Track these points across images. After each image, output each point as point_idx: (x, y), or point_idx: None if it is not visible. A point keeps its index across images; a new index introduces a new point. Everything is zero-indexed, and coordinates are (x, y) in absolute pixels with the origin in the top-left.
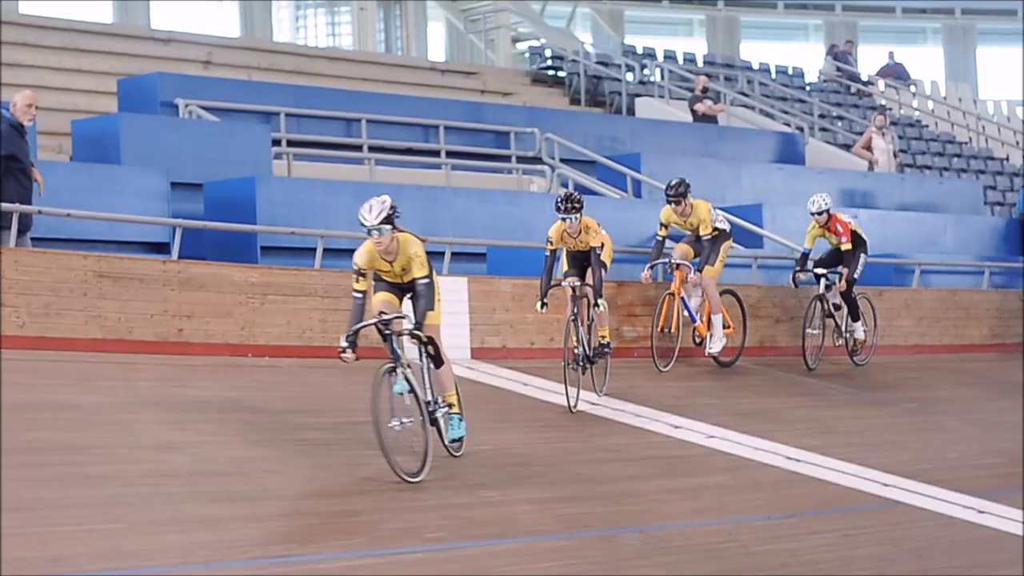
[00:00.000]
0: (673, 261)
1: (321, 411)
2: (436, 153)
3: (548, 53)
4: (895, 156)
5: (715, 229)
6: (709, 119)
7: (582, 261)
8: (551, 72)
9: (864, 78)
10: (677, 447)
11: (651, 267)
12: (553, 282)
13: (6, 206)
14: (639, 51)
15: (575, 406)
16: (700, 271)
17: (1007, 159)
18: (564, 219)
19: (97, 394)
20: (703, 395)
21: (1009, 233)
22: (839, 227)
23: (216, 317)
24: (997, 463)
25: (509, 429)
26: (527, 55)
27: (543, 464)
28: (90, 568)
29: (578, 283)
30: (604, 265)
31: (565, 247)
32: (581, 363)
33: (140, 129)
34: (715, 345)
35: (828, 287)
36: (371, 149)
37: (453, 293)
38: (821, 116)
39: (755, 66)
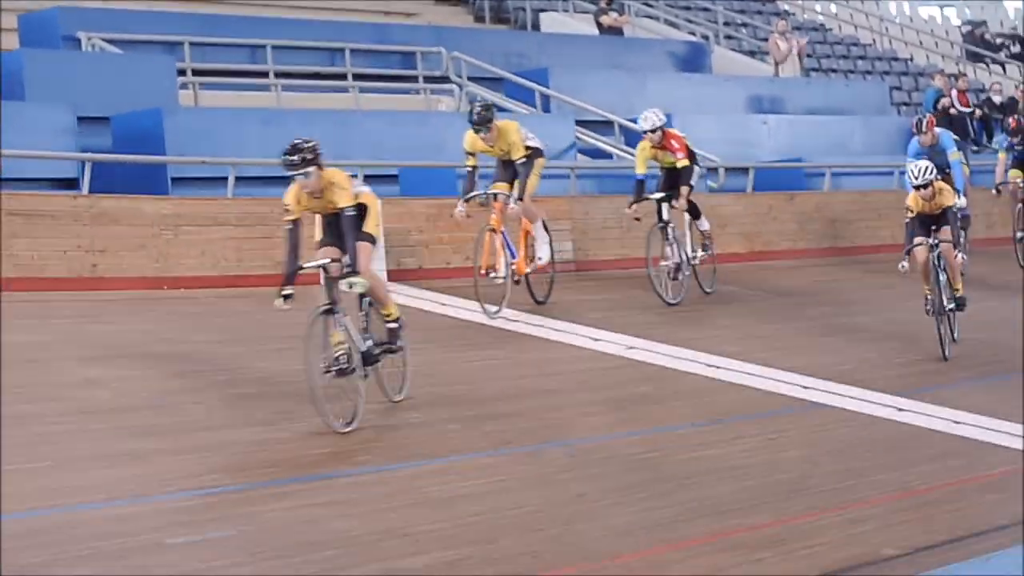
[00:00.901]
0: (488, 191)
1: (239, 340)
2: (343, 76)
3: None
4: (800, 60)
5: (527, 148)
6: (615, 31)
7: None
8: None
9: None
10: (597, 360)
11: (465, 201)
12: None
13: None
14: None
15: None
16: (521, 199)
17: (911, 59)
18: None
19: (13, 333)
20: (621, 308)
21: (1005, 117)
22: (674, 143)
23: (130, 251)
24: (915, 361)
25: (430, 350)
26: None
27: (466, 383)
28: (16, 508)
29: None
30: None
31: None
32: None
33: (43, 64)
34: (542, 252)
35: (667, 209)
36: (277, 75)
37: None
38: (726, 24)
39: None
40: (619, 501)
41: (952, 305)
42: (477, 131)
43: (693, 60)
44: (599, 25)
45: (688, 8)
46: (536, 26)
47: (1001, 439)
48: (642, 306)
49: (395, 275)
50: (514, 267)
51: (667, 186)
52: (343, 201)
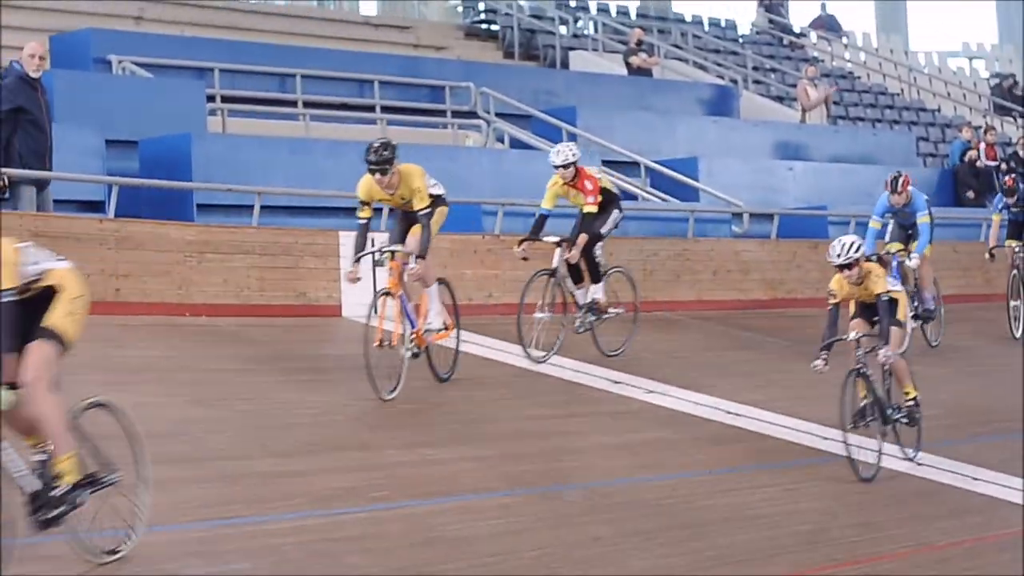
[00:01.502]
0: (384, 248)
1: (260, 371)
2: (371, 108)
3: (481, 7)
4: (827, 107)
5: (431, 197)
6: (643, 72)
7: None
8: (484, 26)
9: (796, 30)
10: (617, 402)
11: (356, 261)
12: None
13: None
14: (572, 4)
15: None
16: (421, 257)
17: (939, 110)
18: (373, 173)
19: None
20: (641, 349)
21: (942, 184)
22: (587, 184)
23: (153, 276)
24: (935, 414)
25: (450, 387)
26: (460, 9)
27: (485, 421)
28: (30, 532)
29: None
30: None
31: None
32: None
33: (73, 86)
34: (434, 320)
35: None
36: (306, 105)
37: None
38: (754, 68)
39: (688, 18)
40: (636, 546)
41: (901, 415)
42: (373, 174)
43: (721, 103)
44: (628, 65)
45: (717, 52)
46: (565, 64)
47: (1019, 497)
48: (663, 351)
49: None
50: (414, 338)
51: (573, 230)
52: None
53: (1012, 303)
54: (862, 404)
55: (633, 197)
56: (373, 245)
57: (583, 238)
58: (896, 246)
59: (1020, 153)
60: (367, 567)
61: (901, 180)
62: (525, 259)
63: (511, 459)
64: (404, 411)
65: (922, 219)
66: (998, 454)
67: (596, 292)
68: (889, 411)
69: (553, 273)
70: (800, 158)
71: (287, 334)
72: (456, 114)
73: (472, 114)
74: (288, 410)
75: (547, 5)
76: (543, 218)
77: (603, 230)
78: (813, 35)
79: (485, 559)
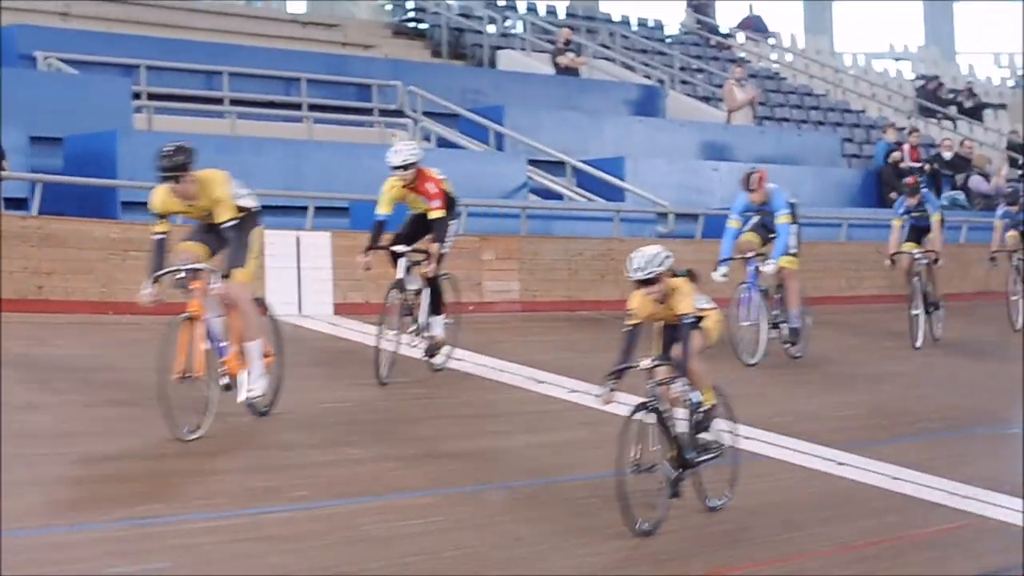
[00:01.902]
0: (179, 266)
1: None
2: (298, 106)
3: (409, 5)
4: (754, 108)
5: (240, 210)
6: (571, 72)
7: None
8: (412, 24)
9: (724, 31)
10: (540, 402)
11: (153, 281)
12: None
13: None
14: (501, 3)
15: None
16: (225, 276)
17: (864, 111)
18: (166, 180)
19: None
20: (566, 350)
21: (866, 185)
22: (430, 186)
23: (76, 274)
24: (856, 415)
25: (373, 386)
26: (388, 7)
27: (408, 420)
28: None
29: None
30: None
31: None
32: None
33: None
34: (255, 387)
35: (409, 268)
36: (232, 102)
37: (316, 248)
38: (681, 69)
39: (616, 18)
40: (557, 546)
41: (706, 458)
42: (166, 181)
43: (648, 104)
44: (556, 65)
45: (644, 51)
46: (493, 63)
47: (938, 496)
48: (587, 349)
49: (341, 309)
50: (225, 367)
51: (410, 235)
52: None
53: (913, 311)
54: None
55: (559, 196)
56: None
57: (436, 248)
58: (753, 242)
59: (944, 155)
60: (288, 566)
61: (755, 176)
62: (368, 269)
63: (433, 459)
64: (326, 411)
65: (781, 219)
66: (918, 454)
67: (436, 327)
68: (690, 454)
69: (400, 286)
70: (726, 158)
71: None
72: (383, 112)
73: (399, 113)
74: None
75: (475, 4)
76: (380, 224)
77: (446, 247)
78: (740, 36)
79: (407, 559)
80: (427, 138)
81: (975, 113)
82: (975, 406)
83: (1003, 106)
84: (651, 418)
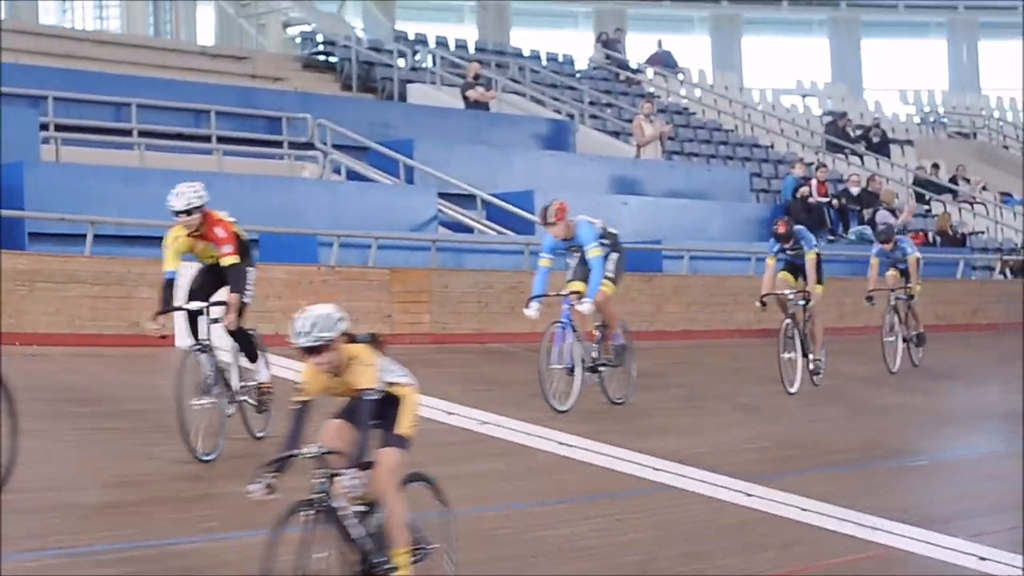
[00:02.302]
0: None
1: (92, 400)
2: (207, 138)
3: (319, 38)
4: (663, 143)
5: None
6: (481, 105)
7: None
8: (323, 58)
9: (633, 66)
10: (450, 433)
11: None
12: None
13: None
14: (411, 37)
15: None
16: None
17: (772, 147)
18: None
19: None
20: (476, 382)
21: (774, 219)
22: (219, 231)
23: None
24: (765, 447)
25: (281, 419)
26: (298, 40)
27: None
28: None
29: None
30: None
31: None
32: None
33: None
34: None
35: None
36: (141, 134)
37: None
38: (591, 103)
39: (526, 53)
40: None
41: None
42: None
43: (557, 138)
44: (465, 99)
45: (554, 86)
46: (403, 97)
47: (845, 527)
48: (497, 381)
49: None
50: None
51: (203, 291)
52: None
53: (785, 355)
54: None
55: (469, 230)
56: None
57: (235, 299)
58: (575, 286)
59: (851, 190)
60: None
61: (551, 209)
62: (163, 337)
63: None
64: (236, 442)
65: (592, 253)
66: (828, 485)
67: (261, 373)
68: (379, 558)
69: (204, 348)
70: (635, 193)
71: (116, 364)
72: (293, 145)
73: (309, 145)
74: (116, 440)
75: (385, 38)
76: (170, 283)
77: (247, 288)
78: (649, 71)
79: None
80: (337, 171)
81: (881, 149)
82: (880, 438)
83: (909, 142)
84: (319, 519)
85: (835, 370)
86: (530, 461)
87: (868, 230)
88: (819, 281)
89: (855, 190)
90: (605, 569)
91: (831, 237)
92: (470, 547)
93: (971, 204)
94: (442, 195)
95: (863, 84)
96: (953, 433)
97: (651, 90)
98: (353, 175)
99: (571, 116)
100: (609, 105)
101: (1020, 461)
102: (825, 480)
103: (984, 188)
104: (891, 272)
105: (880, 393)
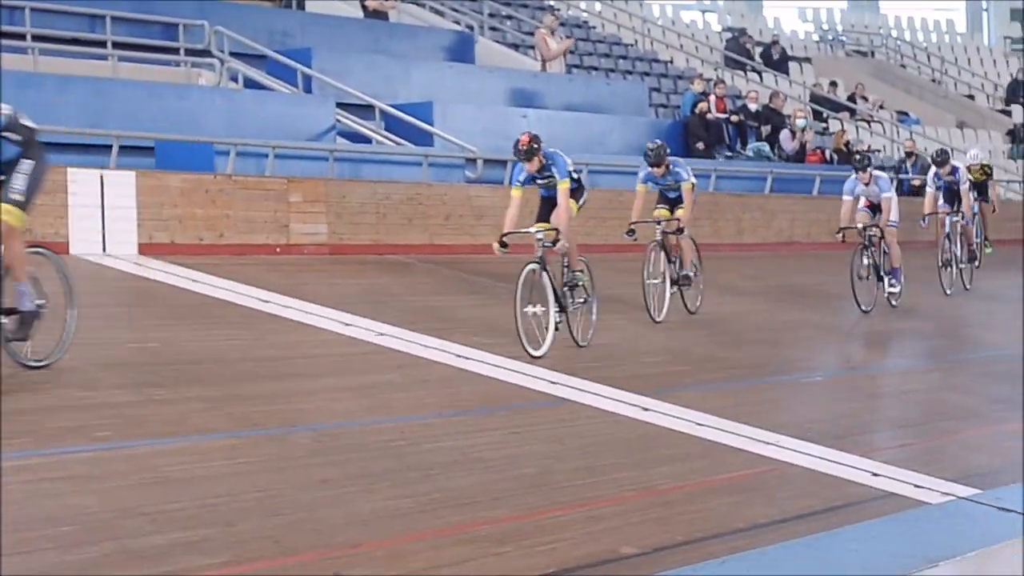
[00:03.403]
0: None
1: None
2: (103, 44)
3: None
4: (563, 56)
5: None
6: (380, 15)
7: None
8: None
9: None
10: (347, 344)
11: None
12: None
13: None
14: None
15: None
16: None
17: (671, 62)
18: None
19: None
20: (373, 293)
21: (673, 135)
22: None
23: None
24: (662, 361)
25: (178, 326)
26: None
27: (212, 362)
28: None
29: None
30: None
31: None
32: None
33: None
34: None
35: None
36: (35, 38)
37: (120, 188)
38: (491, 15)
39: None
40: (363, 489)
41: None
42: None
43: (458, 49)
44: (364, 8)
45: None
46: (301, 5)
47: (740, 442)
48: (394, 292)
49: (146, 249)
50: None
51: None
52: None
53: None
54: None
55: (368, 140)
56: None
57: None
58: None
59: (749, 107)
60: (90, 507)
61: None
62: None
63: (238, 400)
64: (132, 350)
65: (562, 186)
66: (724, 400)
67: None
68: None
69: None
70: (535, 106)
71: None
72: (189, 52)
73: (206, 52)
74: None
75: None
76: None
77: None
78: None
79: (210, 500)
80: (234, 79)
81: (780, 66)
82: (776, 354)
83: (808, 59)
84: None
85: (730, 285)
86: (426, 373)
87: (766, 147)
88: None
89: (753, 107)
90: (502, 482)
91: (729, 153)
92: (365, 459)
93: (868, 123)
94: (340, 105)
95: (763, 0)
96: (845, 350)
97: (552, 3)
98: (250, 83)
99: (471, 28)
100: (509, 17)
101: (910, 378)
102: (720, 395)
103: (881, 107)
104: (659, 210)
105: (775, 309)
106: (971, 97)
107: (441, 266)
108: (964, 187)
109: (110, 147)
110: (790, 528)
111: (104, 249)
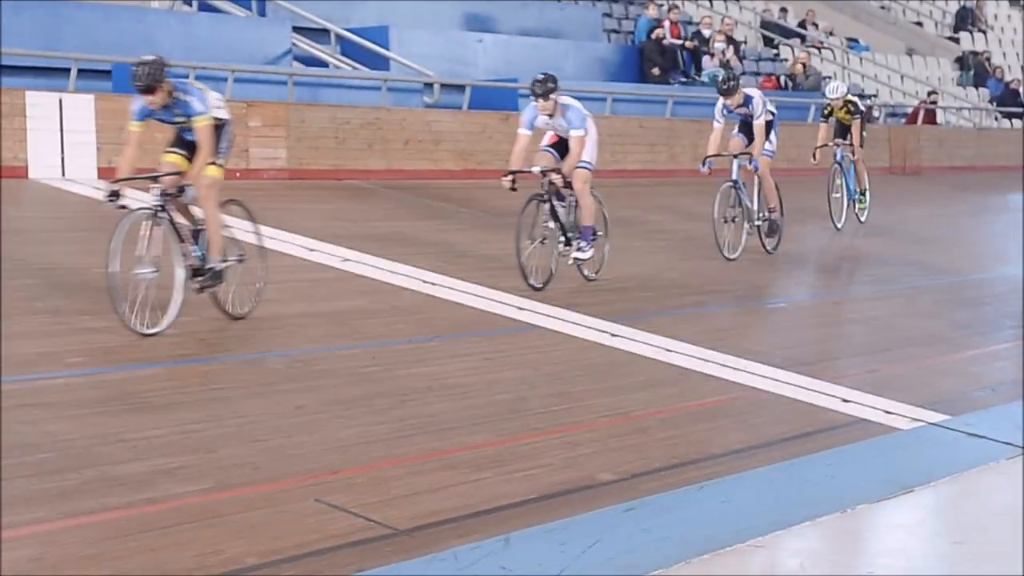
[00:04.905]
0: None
1: None
2: None
3: None
4: None
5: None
6: None
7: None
8: None
9: None
10: (313, 270)
11: None
12: None
13: None
14: None
15: None
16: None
17: None
18: None
19: None
20: (336, 218)
21: (628, 60)
22: None
23: None
24: (627, 287)
25: None
26: None
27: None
28: None
29: None
30: None
31: None
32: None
33: None
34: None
35: None
36: None
37: (79, 111)
38: None
39: None
40: (339, 415)
41: None
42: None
43: None
44: None
45: None
46: None
47: (711, 369)
48: (357, 217)
49: (105, 173)
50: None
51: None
52: None
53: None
54: None
55: (324, 64)
56: None
57: None
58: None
59: (703, 32)
60: (67, 433)
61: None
62: None
63: (209, 326)
64: (95, 276)
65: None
66: (691, 327)
67: None
68: None
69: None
70: (490, 30)
71: None
72: None
73: None
74: None
75: None
76: None
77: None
78: None
79: (187, 426)
80: (188, 2)
81: None
82: (744, 280)
83: None
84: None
85: (690, 211)
86: (395, 299)
87: (722, 72)
88: None
89: (707, 32)
90: (476, 408)
91: (683, 79)
92: (339, 385)
93: (818, 49)
94: (296, 29)
95: None
96: (812, 278)
97: None
98: (204, 6)
99: None
100: None
101: (879, 304)
102: (688, 321)
103: (831, 34)
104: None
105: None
106: (919, 24)
107: (402, 192)
108: (758, 122)
109: (67, 70)
110: (765, 454)
111: (63, 173)
